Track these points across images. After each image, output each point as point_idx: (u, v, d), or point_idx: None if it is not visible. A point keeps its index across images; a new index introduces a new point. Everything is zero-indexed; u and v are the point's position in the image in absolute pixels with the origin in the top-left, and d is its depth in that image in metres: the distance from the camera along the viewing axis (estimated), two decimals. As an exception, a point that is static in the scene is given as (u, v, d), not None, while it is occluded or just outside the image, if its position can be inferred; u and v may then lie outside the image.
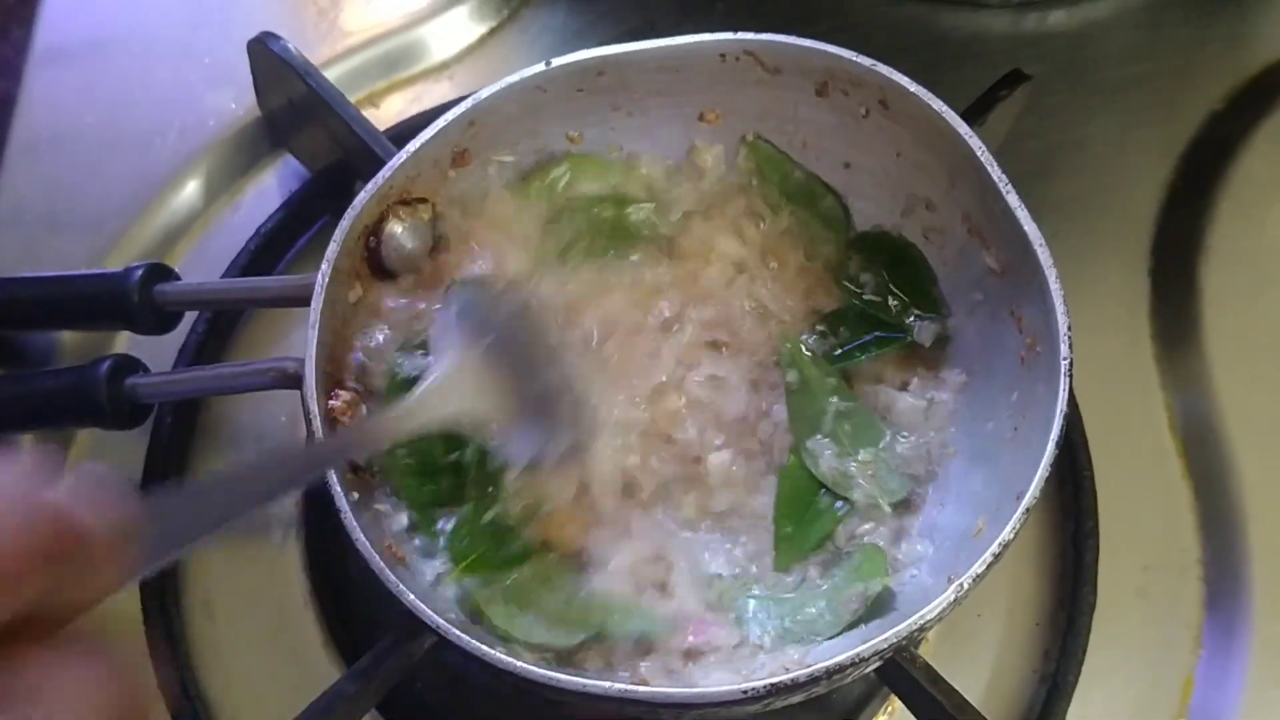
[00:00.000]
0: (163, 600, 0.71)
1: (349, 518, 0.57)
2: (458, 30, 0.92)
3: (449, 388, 0.59)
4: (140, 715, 0.36)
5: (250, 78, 0.82)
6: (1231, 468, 0.76)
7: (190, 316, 0.75)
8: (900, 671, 0.60)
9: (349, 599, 0.73)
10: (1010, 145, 0.76)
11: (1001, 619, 0.73)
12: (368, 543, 0.57)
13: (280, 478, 0.49)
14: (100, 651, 0.35)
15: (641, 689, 0.54)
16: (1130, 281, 0.83)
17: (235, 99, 0.86)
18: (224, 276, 0.78)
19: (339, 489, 0.58)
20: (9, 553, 0.33)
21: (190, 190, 0.84)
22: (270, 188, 0.85)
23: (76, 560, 0.34)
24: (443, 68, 0.91)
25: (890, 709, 0.71)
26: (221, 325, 0.78)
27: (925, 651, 0.67)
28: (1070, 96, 0.89)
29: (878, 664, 0.57)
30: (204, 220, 0.84)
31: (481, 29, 0.92)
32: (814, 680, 0.53)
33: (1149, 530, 0.75)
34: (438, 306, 0.68)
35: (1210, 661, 0.72)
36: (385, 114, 0.88)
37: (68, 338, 0.79)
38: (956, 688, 0.59)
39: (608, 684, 0.54)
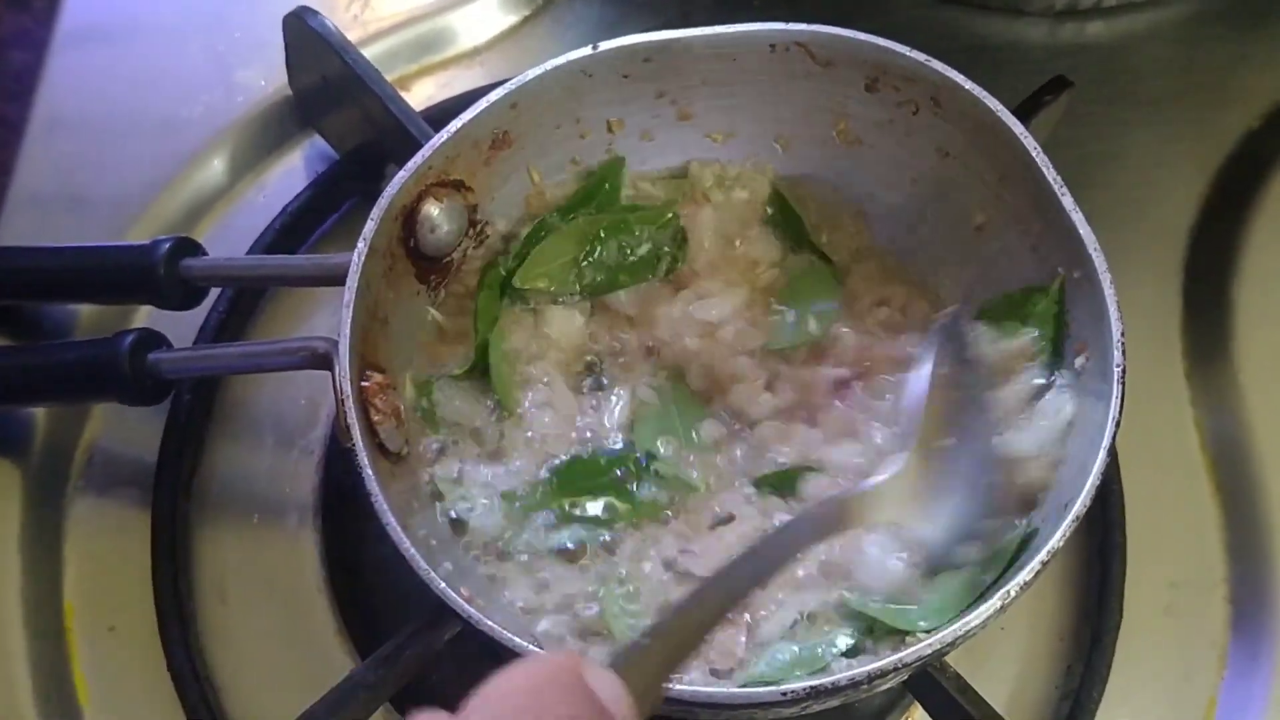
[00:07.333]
0: (175, 581, 0.70)
1: (379, 501, 0.56)
2: (490, 16, 0.90)
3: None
4: None
5: (280, 55, 0.81)
6: (1261, 487, 0.75)
7: (212, 294, 0.74)
8: (928, 680, 0.59)
9: (364, 587, 0.72)
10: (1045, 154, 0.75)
11: (1024, 633, 0.72)
12: (398, 528, 0.56)
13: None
14: None
15: (677, 688, 0.52)
16: (1163, 297, 0.82)
17: (265, 76, 0.85)
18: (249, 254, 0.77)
19: (370, 471, 0.57)
20: None
21: (216, 168, 0.83)
22: (297, 168, 0.84)
23: None
24: (474, 53, 0.90)
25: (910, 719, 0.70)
26: (243, 304, 0.77)
27: (946, 663, 0.66)
28: (1105, 108, 0.88)
29: (919, 668, 0.55)
30: (228, 199, 0.83)
31: (514, 17, 0.91)
32: (854, 684, 0.52)
33: (1176, 547, 0.74)
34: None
35: (1235, 682, 0.71)
36: (415, 98, 0.86)
37: (85, 311, 0.77)
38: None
39: (642, 681, 0.53)
